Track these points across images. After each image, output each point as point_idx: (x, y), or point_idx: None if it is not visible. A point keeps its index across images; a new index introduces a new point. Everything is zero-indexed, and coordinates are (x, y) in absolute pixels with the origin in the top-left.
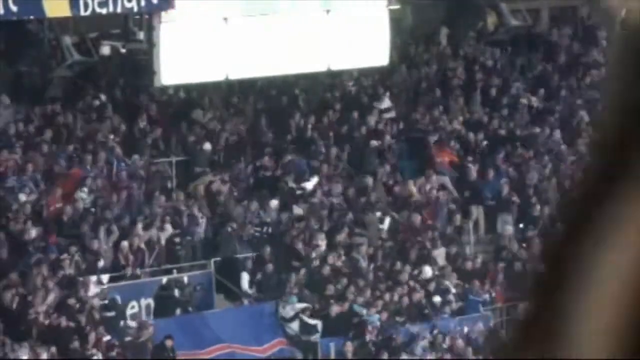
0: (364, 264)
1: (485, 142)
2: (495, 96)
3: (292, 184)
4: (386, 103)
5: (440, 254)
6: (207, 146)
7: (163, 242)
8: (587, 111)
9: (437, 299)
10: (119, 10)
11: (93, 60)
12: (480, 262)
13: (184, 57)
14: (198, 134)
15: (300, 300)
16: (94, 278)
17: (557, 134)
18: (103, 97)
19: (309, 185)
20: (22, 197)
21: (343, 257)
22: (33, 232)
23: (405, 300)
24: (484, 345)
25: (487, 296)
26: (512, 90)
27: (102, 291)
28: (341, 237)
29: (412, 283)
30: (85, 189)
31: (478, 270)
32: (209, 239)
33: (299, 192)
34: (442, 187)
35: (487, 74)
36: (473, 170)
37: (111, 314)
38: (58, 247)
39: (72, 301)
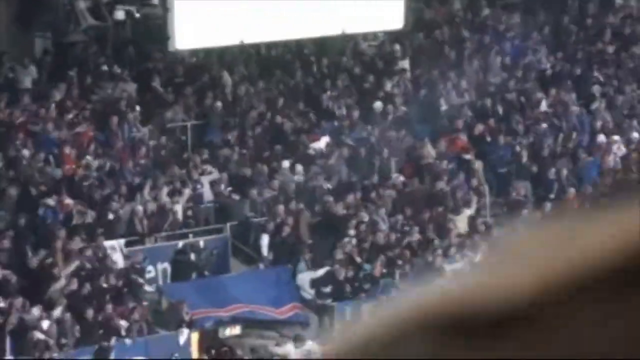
0: (383, 226)
1: (499, 107)
2: (509, 59)
3: (305, 145)
4: (403, 65)
5: (458, 218)
6: (219, 104)
7: (179, 206)
8: (602, 74)
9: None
10: None
11: (107, 24)
12: (494, 225)
13: (198, 21)
14: (212, 98)
15: (312, 266)
16: (110, 243)
17: (572, 97)
18: (116, 61)
19: (321, 144)
20: (37, 162)
21: (363, 220)
22: (48, 197)
23: (421, 262)
24: None
25: None
26: (526, 53)
27: (132, 256)
28: (353, 198)
29: (427, 246)
30: (90, 156)
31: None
32: (225, 203)
33: (311, 152)
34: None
35: (501, 37)
36: (487, 136)
37: (139, 279)
38: (74, 212)
39: (92, 266)
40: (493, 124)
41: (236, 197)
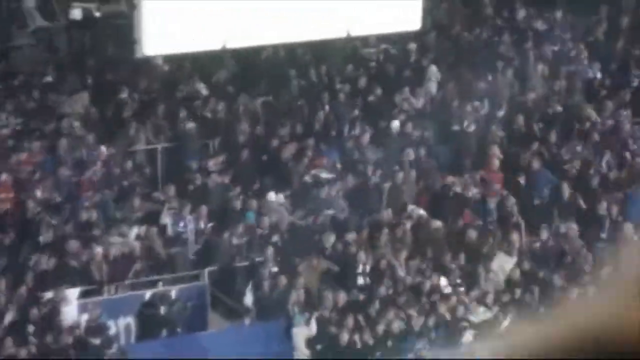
0: (401, 272)
1: (539, 124)
2: (550, 67)
3: (304, 174)
4: (431, 76)
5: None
6: (191, 126)
7: (146, 248)
8: None
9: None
10: None
11: (61, 25)
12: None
13: (172, 21)
14: (189, 116)
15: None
16: (65, 294)
17: (627, 113)
18: (71, 70)
19: (322, 174)
20: None
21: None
22: None
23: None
24: None
25: None
26: (570, 59)
27: (89, 311)
28: (362, 236)
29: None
30: (39, 189)
31: None
32: (203, 245)
33: (310, 183)
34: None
35: (540, 40)
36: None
37: (96, 340)
38: (19, 255)
39: (40, 322)
40: (530, 146)
41: (217, 236)
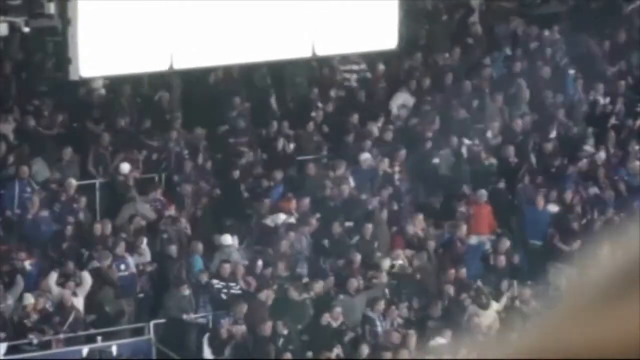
0: (378, 323)
1: (533, 159)
2: (545, 92)
3: (261, 217)
4: (401, 100)
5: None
6: (125, 167)
7: (83, 297)
8: None
9: None
10: None
11: None
12: None
13: (111, 39)
14: (126, 147)
15: None
16: None
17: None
18: None
19: (280, 218)
20: None
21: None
22: None
23: None
24: None
25: None
26: (567, 83)
27: None
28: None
29: None
30: None
31: None
32: (148, 294)
33: (268, 227)
34: None
35: (534, 61)
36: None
37: None
38: None
39: None
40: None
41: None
